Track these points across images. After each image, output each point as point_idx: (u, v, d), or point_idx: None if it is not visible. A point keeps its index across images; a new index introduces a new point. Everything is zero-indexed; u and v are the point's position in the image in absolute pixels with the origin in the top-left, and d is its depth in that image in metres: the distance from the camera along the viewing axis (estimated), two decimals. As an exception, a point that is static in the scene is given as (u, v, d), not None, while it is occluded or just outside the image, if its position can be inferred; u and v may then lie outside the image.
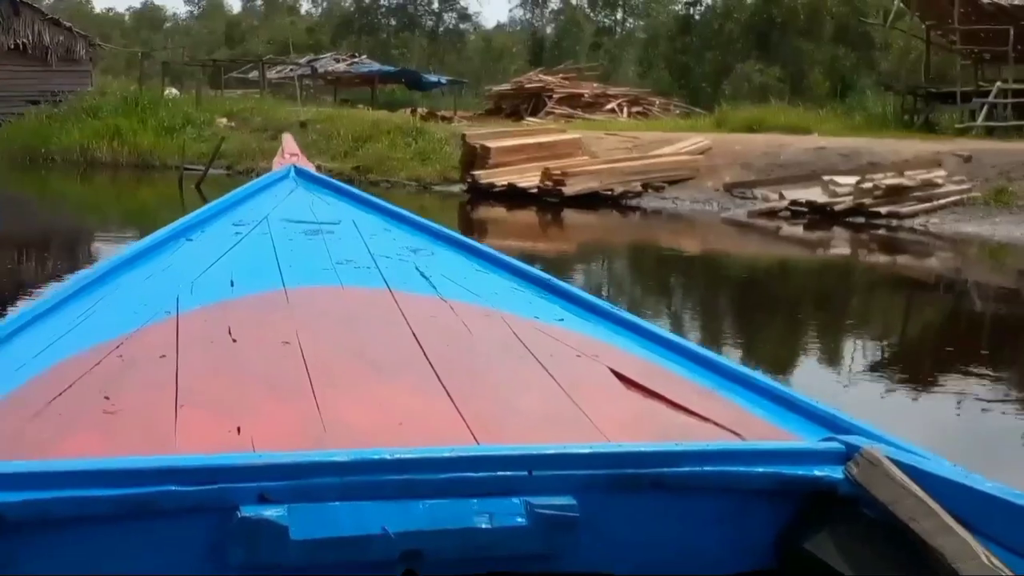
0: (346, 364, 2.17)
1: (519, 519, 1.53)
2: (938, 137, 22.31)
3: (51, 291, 2.53)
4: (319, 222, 3.43)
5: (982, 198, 16.29)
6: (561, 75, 36.94)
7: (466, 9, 50.74)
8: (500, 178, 18.67)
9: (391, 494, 1.52)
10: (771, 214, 16.94)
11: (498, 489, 1.56)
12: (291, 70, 36.76)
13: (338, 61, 38.35)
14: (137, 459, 1.53)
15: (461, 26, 52.02)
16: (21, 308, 2.30)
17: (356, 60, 38.83)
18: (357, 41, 46.87)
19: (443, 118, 30.46)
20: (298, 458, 1.54)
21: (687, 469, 1.63)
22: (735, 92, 34.95)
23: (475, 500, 1.54)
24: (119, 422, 1.78)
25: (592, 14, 50.83)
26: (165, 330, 2.27)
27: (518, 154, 19.41)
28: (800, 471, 1.69)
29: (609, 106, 34.07)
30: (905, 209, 16.00)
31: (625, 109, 33.97)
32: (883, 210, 15.94)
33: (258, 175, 6.12)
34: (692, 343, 2.47)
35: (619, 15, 50.99)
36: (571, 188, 17.76)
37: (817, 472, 1.70)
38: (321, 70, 36.95)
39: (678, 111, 34.17)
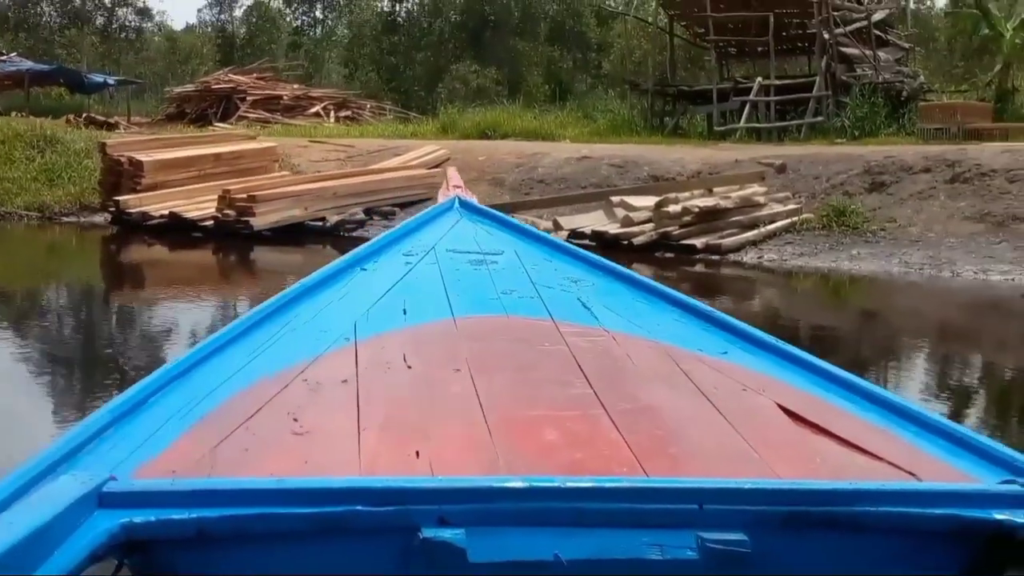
0: (514, 392, 2.11)
1: (690, 552, 1.44)
2: (716, 143, 17.84)
3: (240, 319, 2.34)
4: (483, 252, 3.36)
5: (816, 220, 11.68)
6: (255, 75, 30.65)
7: (143, 3, 42.52)
8: (158, 205, 12.31)
9: (563, 522, 1.46)
10: (546, 249, 11.64)
11: (668, 521, 1.47)
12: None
13: (-24, 60, 30.14)
14: (328, 480, 1.51)
15: (142, 24, 43.96)
16: (212, 335, 2.19)
17: (3, 57, 30.60)
18: (15, 39, 38.12)
19: (106, 124, 23.34)
20: (476, 483, 1.51)
21: (861, 508, 1.52)
22: (451, 95, 30.23)
23: (646, 531, 1.46)
24: (307, 443, 1.77)
25: (288, 11, 44.21)
26: (345, 356, 2.26)
27: (185, 170, 13.07)
28: (979, 514, 1.56)
29: (313, 109, 28.24)
30: (727, 241, 11.12)
31: (332, 113, 28.20)
32: (698, 243, 10.98)
33: None
34: (860, 378, 2.24)
35: (318, 12, 44.65)
36: (263, 218, 11.68)
37: (997, 515, 1.56)
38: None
39: (392, 115, 28.65)
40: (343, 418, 1.90)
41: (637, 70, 27.87)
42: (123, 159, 12.77)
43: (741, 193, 11.99)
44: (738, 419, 1.98)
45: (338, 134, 21.51)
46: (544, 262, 3.37)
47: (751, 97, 19.66)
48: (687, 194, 11.90)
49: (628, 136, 19.97)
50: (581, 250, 3.59)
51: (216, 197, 11.95)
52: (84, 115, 24.96)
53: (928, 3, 35.72)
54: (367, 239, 12.44)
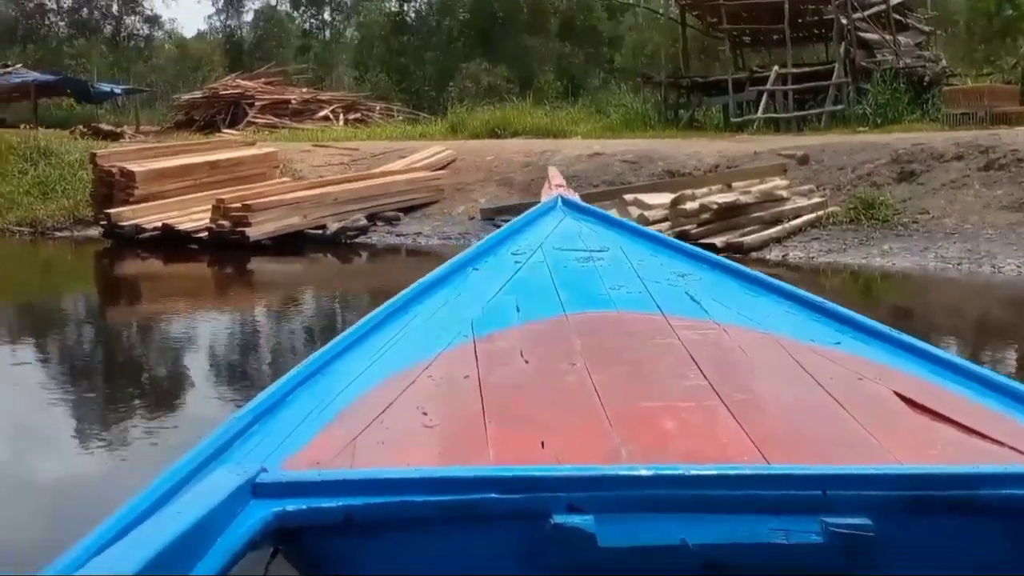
0: (630, 385, 2.14)
1: (815, 537, 1.46)
2: (733, 135, 17.10)
3: (361, 321, 2.40)
4: (589, 250, 3.36)
5: (843, 214, 10.93)
6: (264, 80, 30.13)
7: (152, 11, 41.98)
8: (152, 217, 11.69)
9: (689, 508, 1.48)
10: (557, 252, 10.97)
11: (793, 507, 1.49)
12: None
13: (-20, 72, 29.60)
14: (463, 469, 1.57)
15: (152, 32, 43.46)
16: (337, 338, 2.25)
17: (8, 69, 30.10)
18: (23, 51, 37.65)
19: (112, 134, 22.80)
20: (603, 471, 1.53)
21: (984, 492, 1.51)
22: (462, 94, 29.49)
23: (770, 517, 1.48)
24: (438, 435, 1.84)
25: (296, 14, 43.56)
26: (465, 352, 2.30)
27: (180, 179, 12.44)
28: None
29: (322, 113, 27.63)
30: (750, 238, 10.40)
31: (341, 116, 27.57)
32: (718, 241, 10.26)
33: None
34: (976, 364, 2.23)
35: (327, 15, 44.00)
36: (259, 228, 11.04)
37: None
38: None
39: (402, 117, 28.00)
40: (469, 411, 1.94)
41: (650, 63, 27.16)
42: (114, 170, 12.16)
43: (762, 187, 11.26)
44: (855, 407, 1.97)
45: (346, 137, 20.88)
46: (650, 257, 3.35)
47: (768, 87, 18.88)
48: (705, 190, 11.17)
49: (642, 131, 19.25)
50: (686, 244, 3.56)
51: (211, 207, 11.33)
52: (89, 125, 24.46)
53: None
54: (372, 245, 11.55)
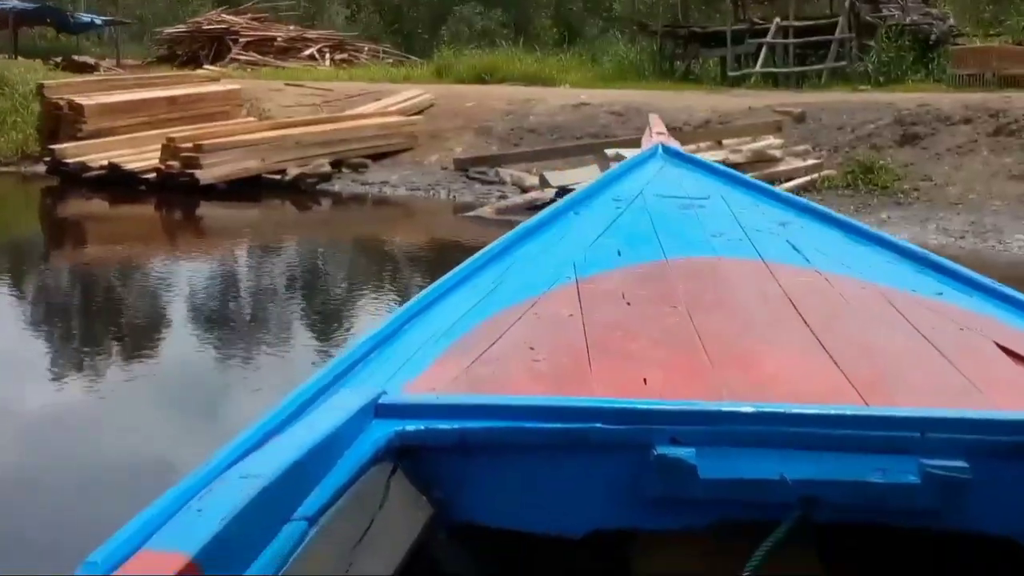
0: (731, 328, 2.14)
1: (911, 477, 1.47)
2: (729, 89, 16.19)
3: (469, 260, 2.46)
4: (690, 197, 3.31)
5: (840, 178, 10.09)
6: (250, 16, 28.94)
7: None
8: (100, 154, 10.77)
9: (789, 444, 1.51)
10: (530, 208, 10.11)
11: (890, 448, 1.50)
12: None
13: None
14: (572, 399, 1.62)
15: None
16: (447, 275, 2.32)
17: (-13, -4, 28.84)
18: (11, -23, 36.19)
19: (86, 67, 21.79)
20: (706, 407, 1.57)
21: None
22: (454, 38, 28.36)
23: (868, 456, 1.49)
24: (545, 368, 1.88)
25: (291, -51, 42.08)
26: (568, 292, 2.34)
27: (133, 115, 11.52)
28: None
29: (307, 52, 26.52)
30: (738, 200, 9.59)
31: (328, 56, 26.45)
32: (704, 201, 9.44)
33: None
34: None
35: (322, -49, 42.51)
36: (211, 171, 10.16)
37: None
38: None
39: (392, 59, 26.93)
40: (574, 347, 1.96)
41: (649, 12, 26.06)
42: (62, 103, 11.23)
43: (754, 146, 10.41)
44: (957, 356, 1.95)
45: (327, 77, 19.93)
46: (752, 206, 3.32)
47: (768, 39, 17.89)
48: (693, 147, 10.28)
49: (635, 81, 18.29)
50: (788, 194, 3.55)
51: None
52: (67, 57, 23.44)
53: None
54: (336, 194, 10.65)
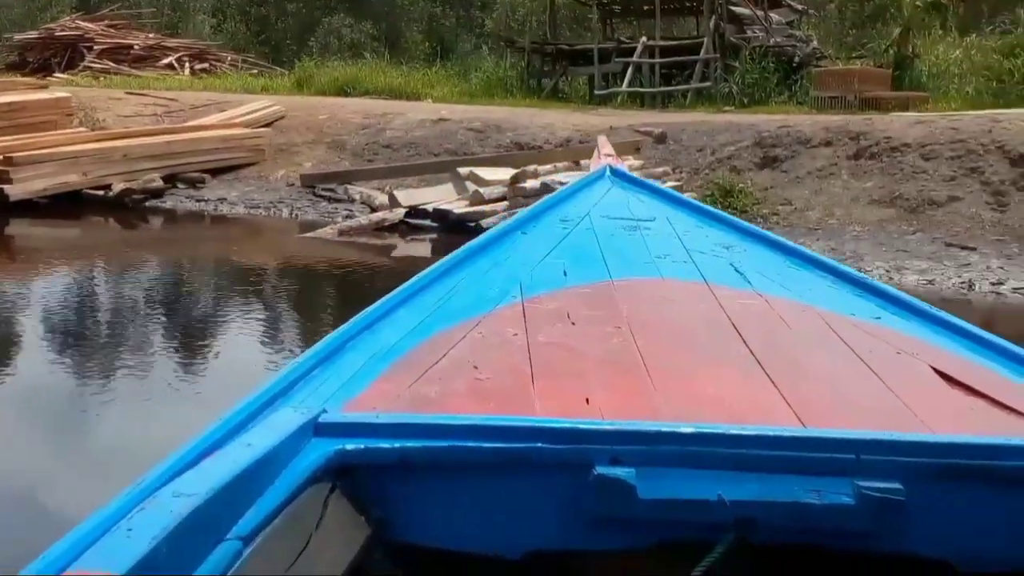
0: (673, 348, 2.18)
1: (847, 499, 1.48)
2: (595, 108, 15.80)
3: (414, 279, 2.44)
4: (636, 219, 3.41)
5: (699, 199, 9.64)
6: (107, 22, 27.51)
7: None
8: None
9: (727, 466, 1.51)
10: (379, 229, 9.40)
11: (826, 469, 1.51)
12: None
13: None
14: (513, 418, 1.60)
15: (-3, -35, 39.59)
16: (390, 294, 2.30)
17: None
18: None
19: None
20: (646, 427, 1.58)
21: (1015, 463, 1.53)
22: (324, 49, 27.46)
23: (805, 477, 1.51)
24: (488, 387, 1.87)
25: (153, -45, 40.34)
26: (514, 311, 2.36)
27: (-61, 124, 10.39)
28: None
29: (166, 60, 25.21)
30: (595, 222, 9.07)
31: (187, 65, 25.23)
32: (560, 224, 8.91)
33: None
34: (1015, 344, 2.21)
35: (186, -42, 40.89)
36: (24, 186, 9.14)
37: None
38: None
39: (257, 70, 25.86)
40: (518, 367, 1.96)
41: (521, 29, 25.67)
42: None
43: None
44: (893, 380, 1.99)
45: (180, 87, 18.86)
46: (696, 228, 3.35)
47: (634, 59, 17.60)
48: (549, 166, 9.78)
49: (502, 98, 17.78)
50: (732, 218, 3.58)
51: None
52: None
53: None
54: (167, 211, 9.70)
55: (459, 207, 9.30)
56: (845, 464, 1.50)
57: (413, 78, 19.31)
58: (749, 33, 17.57)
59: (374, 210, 9.96)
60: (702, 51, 17.07)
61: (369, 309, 2.22)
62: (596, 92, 17.90)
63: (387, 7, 31.50)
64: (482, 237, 3.02)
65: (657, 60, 17.58)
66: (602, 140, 5.45)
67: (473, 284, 2.60)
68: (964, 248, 8.12)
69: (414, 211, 9.55)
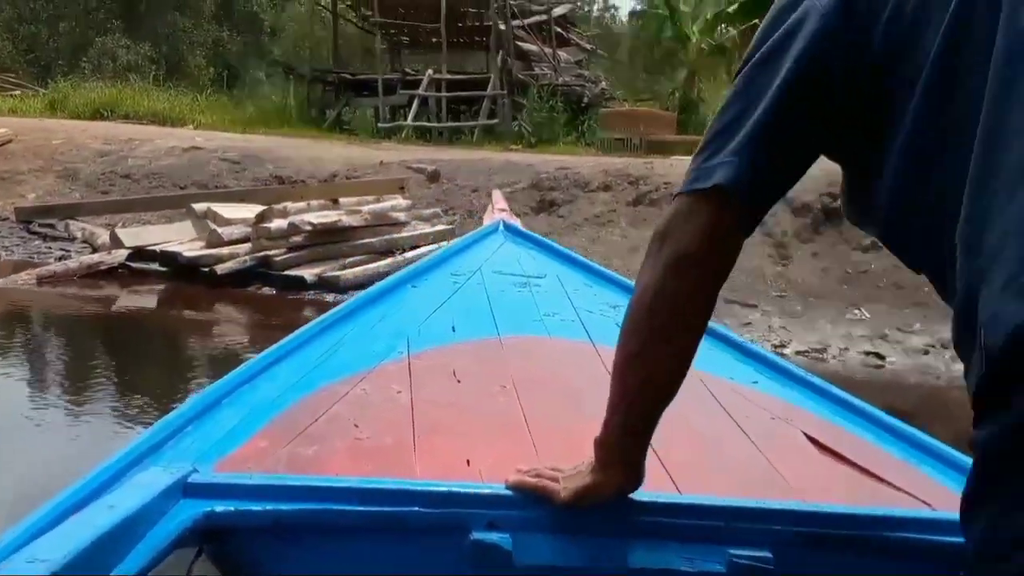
0: (556, 408, 2.15)
1: (718, 566, 1.48)
2: (378, 142, 14.72)
3: (299, 331, 2.35)
4: (526, 275, 3.44)
5: (471, 247, 8.72)
6: None
7: None
8: None
9: (602, 532, 1.50)
10: (93, 275, 7.94)
11: (699, 536, 1.52)
12: None
13: None
14: (390, 481, 1.56)
15: None
16: (274, 346, 2.19)
17: None
18: None
19: None
20: (524, 491, 1.58)
21: (879, 534, 1.56)
22: (97, 71, 25.28)
23: (678, 544, 1.51)
24: (368, 447, 1.82)
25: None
26: (399, 368, 2.31)
27: None
28: None
29: (-96, 77, 22.59)
30: (349, 272, 7.88)
31: (-66, 82, 22.64)
32: (307, 274, 7.72)
33: None
34: (884, 412, 2.25)
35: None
36: None
37: None
38: None
39: (20, 91, 23.45)
40: (399, 426, 1.94)
41: (311, 57, 24.39)
42: None
43: (377, 207, 8.82)
44: (766, 445, 2.02)
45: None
46: (584, 287, 3.37)
47: (420, 91, 16.69)
48: (302, 204, 8.58)
49: (279, 127, 16.47)
50: (621, 277, 3.55)
51: None
52: None
53: (611, 12, 34.60)
54: None
55: (191, 249, 7.96)
56: (717, 531, 1.50)
57: (180, 103, 17.72)
58: (537, 70, 17.01)
59: (95, 250, 8.50)
60: (489, 87, 16.33)
61: (248, 363, 2.13)
62: (380, 125, 16.85)
63: (168, 29, 29.52)
64: (371, 290, 2.97)
65: (444, 94, 16.72)
66: (497, 195, 5.38)
67: (359, 338, 2.53)
68: (745, 305, 7.45)
69: (140, 253, 8.15)
